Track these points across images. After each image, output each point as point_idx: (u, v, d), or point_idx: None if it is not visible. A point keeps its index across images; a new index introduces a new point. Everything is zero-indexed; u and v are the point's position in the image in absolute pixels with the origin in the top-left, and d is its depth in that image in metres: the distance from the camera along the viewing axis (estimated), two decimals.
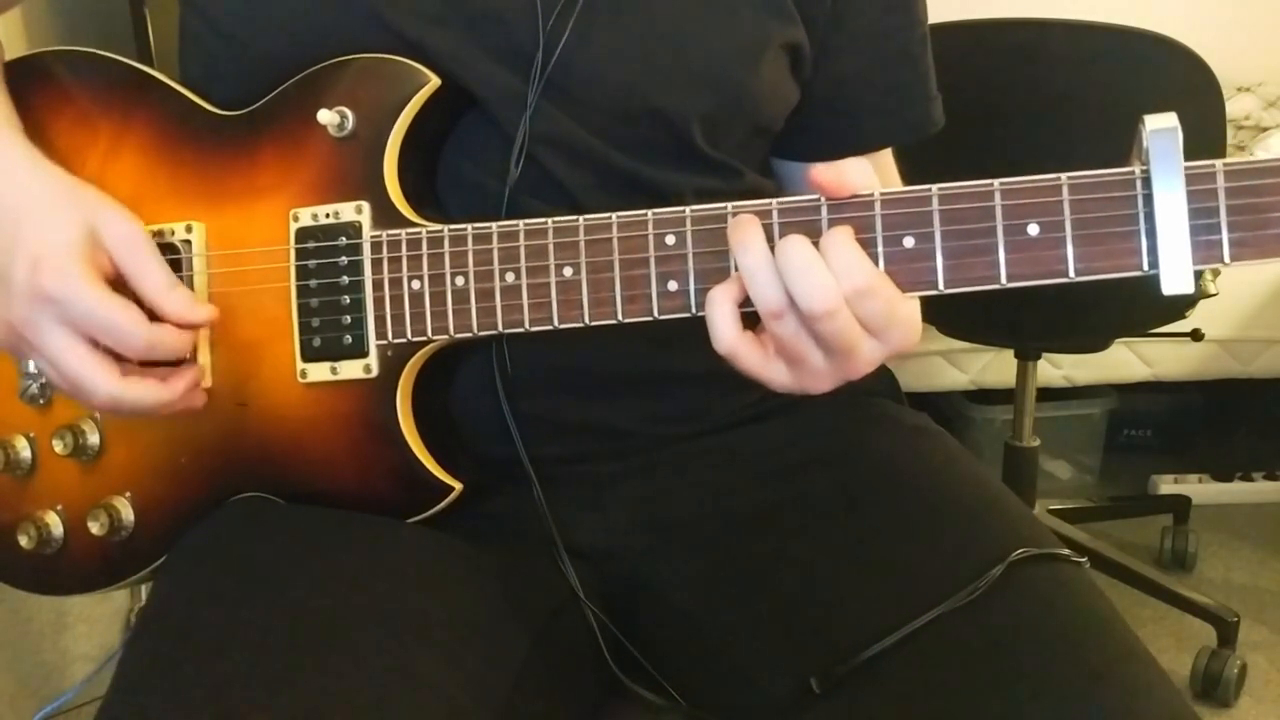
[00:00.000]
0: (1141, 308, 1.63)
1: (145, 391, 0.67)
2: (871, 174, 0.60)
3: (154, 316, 0.67)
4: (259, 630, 0.58)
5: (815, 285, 0.57)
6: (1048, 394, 2.08)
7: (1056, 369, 2.09)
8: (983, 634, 0.61)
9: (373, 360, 0.68)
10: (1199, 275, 0.56)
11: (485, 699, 0.59)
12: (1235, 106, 2.30)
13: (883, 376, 0.87)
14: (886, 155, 0.86)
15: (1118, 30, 1.40)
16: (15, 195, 0.67)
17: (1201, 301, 1.63)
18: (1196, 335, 1.75)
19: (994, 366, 2.08)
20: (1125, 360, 2.06)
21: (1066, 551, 0.67)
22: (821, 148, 0.82)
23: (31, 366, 0.75)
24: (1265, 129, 2.32)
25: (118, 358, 0.66)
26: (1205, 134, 1.41)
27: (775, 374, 0.61)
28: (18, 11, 1.21)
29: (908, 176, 0.88)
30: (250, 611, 0.59)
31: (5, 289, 0.66)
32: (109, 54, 0.77)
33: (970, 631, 0.62)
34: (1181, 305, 1.63)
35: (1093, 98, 1.39)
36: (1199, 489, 2.25)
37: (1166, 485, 2.27)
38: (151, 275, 0.67)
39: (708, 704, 0.70)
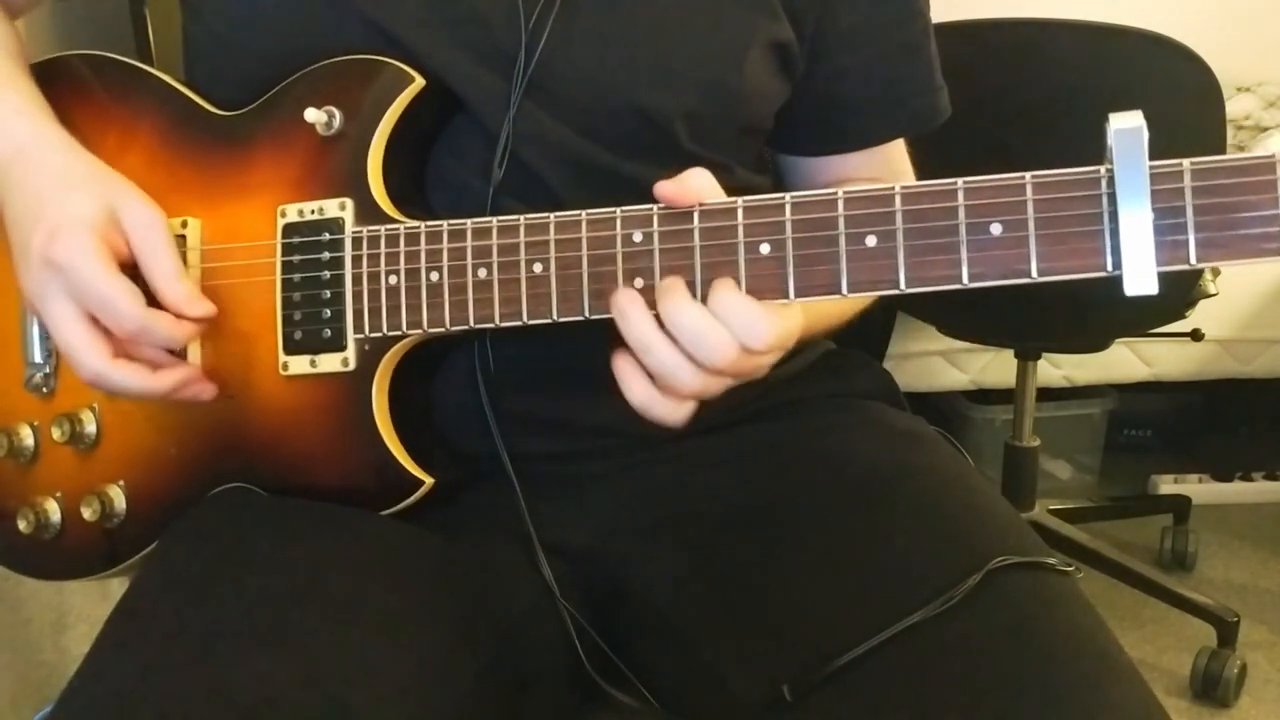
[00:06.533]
0: (1142, 308, 1.63)
1: (129, 376, 0.68)
2: (715, 184, 0.62)
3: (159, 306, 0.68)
4: (214, 620, 0.59)
5: (713, 347, 0.60)
6: (1048, 394, 2.08)
7: (1056, 369, 2.09)
8: (955, 644, 0.60)
9: (350, 353, 0.69)
10: (1178, 276, 0.55)
11: (446, 695, 0.59)
12: (1235, 106, 2.30)
13: (879, 378, 0.86)
14: (897, 148, 0.86)
15: (1118, 30, 1.40)
16: (44, 176, 0.70)
17: (1201, 301, 1.63)
18: (1196, 335, 1.75)
19: (994, 366, 2.08)
20: (1125, 360, 2.06)
21: (1052, 560, 0.65)
22: (824, 142, 0.82)
23: (36, 356, 0.77)
24: (1265, 129, 2.33)
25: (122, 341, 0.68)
26: (1205, 134, 1.40)
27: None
28: None
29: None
30: (209, 601, 0.60)
31: (25, 259, 0.68)
32: (122, 57, 0.79)
33: (943, 641, 0.60)
34: (1181, 305, 1.63)
35: (1093, 98, 1.39)
36: (1199, 489, 2.25)
37: (1166, 485, 2.27)
38: (162, 262, 0.68)
39: (681, 707, 0.70)
